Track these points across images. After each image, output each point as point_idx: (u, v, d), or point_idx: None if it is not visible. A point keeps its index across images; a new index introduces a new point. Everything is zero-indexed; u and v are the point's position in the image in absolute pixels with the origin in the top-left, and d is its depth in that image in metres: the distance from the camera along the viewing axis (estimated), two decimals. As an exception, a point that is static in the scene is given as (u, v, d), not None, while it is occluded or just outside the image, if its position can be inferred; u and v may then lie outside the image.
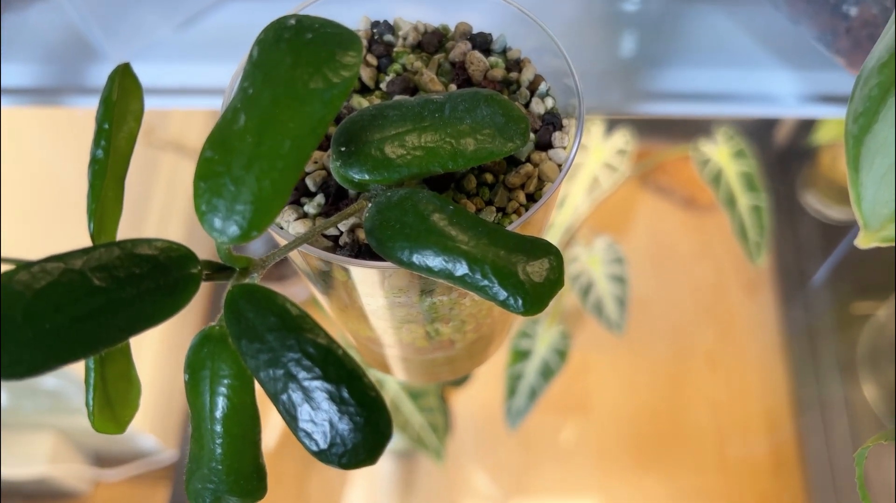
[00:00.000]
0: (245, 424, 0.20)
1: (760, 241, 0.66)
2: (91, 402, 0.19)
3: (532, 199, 0.24)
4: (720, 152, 0.64)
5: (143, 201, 0.68)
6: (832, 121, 0.72)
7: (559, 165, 0.24)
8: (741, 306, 0.85)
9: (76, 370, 0.65)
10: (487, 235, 0.20)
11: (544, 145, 0.24)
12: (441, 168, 0.21)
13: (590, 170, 0.63)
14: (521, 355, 0.66)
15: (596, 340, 0.81)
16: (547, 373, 0.66)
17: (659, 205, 0.91)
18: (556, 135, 0.24)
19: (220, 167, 0.18)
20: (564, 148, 0.24)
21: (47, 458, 0.75)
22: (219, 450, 0.20)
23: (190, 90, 0.43)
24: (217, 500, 0.20)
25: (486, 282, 0.19)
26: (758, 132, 0.89)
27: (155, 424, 0.77)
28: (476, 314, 0.27)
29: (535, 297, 0.20)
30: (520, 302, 0.20)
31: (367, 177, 0.21)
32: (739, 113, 0.51)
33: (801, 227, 0.85)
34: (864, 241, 0.25)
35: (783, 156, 0.88)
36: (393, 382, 0.62)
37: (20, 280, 0.17)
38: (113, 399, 0.20)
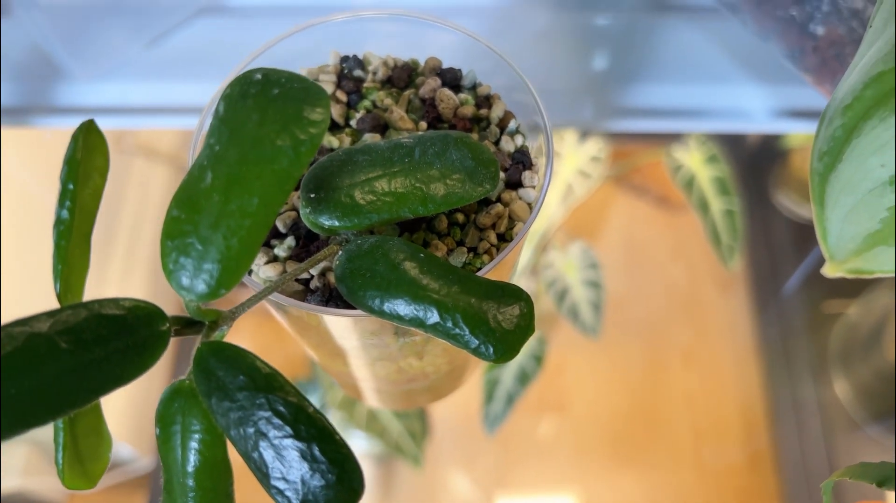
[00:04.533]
0: (217, 478, 0.20)
1: (733, 245, 0.66)
2: (61, 461, 0.19)
3: (503, 238, 0.24)
4: (692, 158, 0.65)
5: (115, 208, 0.67)
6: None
7: (529, 205, 0.24)
8: (715, 306, 0.86)
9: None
10: (458, 283, 0.20)
11: (514, 184, 0.24)
12: (411, 213, 0.21)
13: (564, 177, 0.63)
14: (498, 361, 0.66)
15: (572, 344, 0.81)
16: (524, 378, 0.66)
17: (633, 205, 0.91)
18: (526, 174, 0.24)
19: (187, 226, 0.18)
20: (534, 187, 0.24)
21: (21, 471, 0.74)
22: (192, 504, 0.20)
23: (159, 109, 0.42)
24: (190, 553, 0.20)
25: (457, 331, 0.19)
26: (730, 137, 0.89)
27: (131, 433, 0.76)
28: (449, 349, 0.27)
29: (506, 345, 0.20)
30: (491, 349, 0.20)
31: (336, 223, 0.21)
32: (710, 129, 0.52)
33: (773, 229, 0.86)
34: (830, 271, 0.26)
35: (755, 159, 0.88)
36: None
37: (-16, 347, 0.16)
38: (84, 455, 0.20)
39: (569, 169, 0.63)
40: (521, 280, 0.75)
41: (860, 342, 0.80)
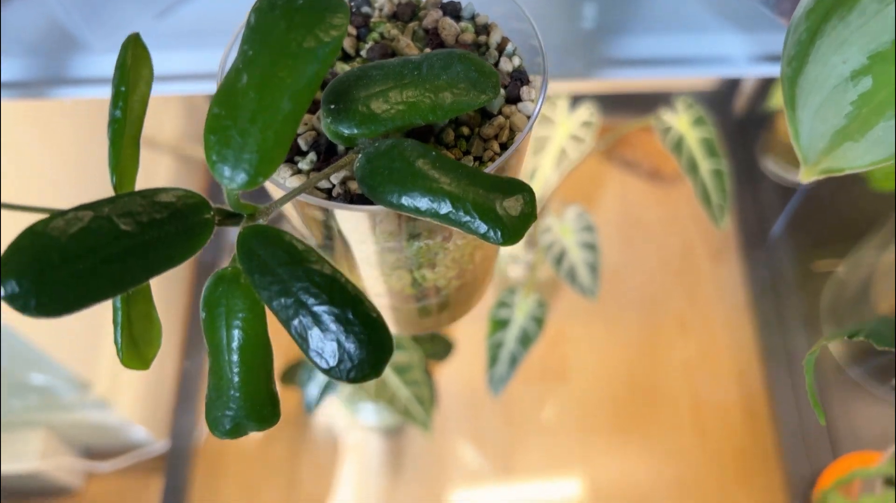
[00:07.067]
0: (259, 353, 0.22)
1: (723, 205, 0.69)
2: (119, 340, 0.21)
3: (505, 147, 0.26)
4: (680, 120, 0.67)
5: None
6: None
7: (528, 116, 0.26)
8: (708, 270, 0.88)
9: (65, 367, 0.66)
10: (467, 177, 0.22)
11: (513, 99, 0.26)
12: (422, 120, 0.23)
13: (557, 142, 0.66)
14: (500, 324, 0.68)
15: (571, 309, 0.84)
16: (525, 340, 0.68)
17: (626, 178, 0.94)
18: (524, 89, 0.26)
19: (227, 121, 0.20)
20: (532, 101, 0.26)
21: (39, 454, 0.76)
22: (236, 379, 0.22)
23: (169, 76, 0.44)
24: (235, 425, 0.22)
25: (467, 218, 0.22)
26: (716, 100, 0.92)
27: (145, 415, 0.79)
28: (459, 259, 0.29)
29: (511, 229, 0.22)
30: (499, 234, 0.22)
31: (355, 131, 0.23)
32: (694, 75, 0.54)
33: (761, 190, 0.89)
34: (805, 176, 0.28)
35: (741, 122, 0.91)
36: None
37: (55, 226, 0.19)
38: (137, 338, 0.22)
39: (562, 134, 0.65)
40: (518, 248, 0.77)
41: (849, 298, 0.83)
